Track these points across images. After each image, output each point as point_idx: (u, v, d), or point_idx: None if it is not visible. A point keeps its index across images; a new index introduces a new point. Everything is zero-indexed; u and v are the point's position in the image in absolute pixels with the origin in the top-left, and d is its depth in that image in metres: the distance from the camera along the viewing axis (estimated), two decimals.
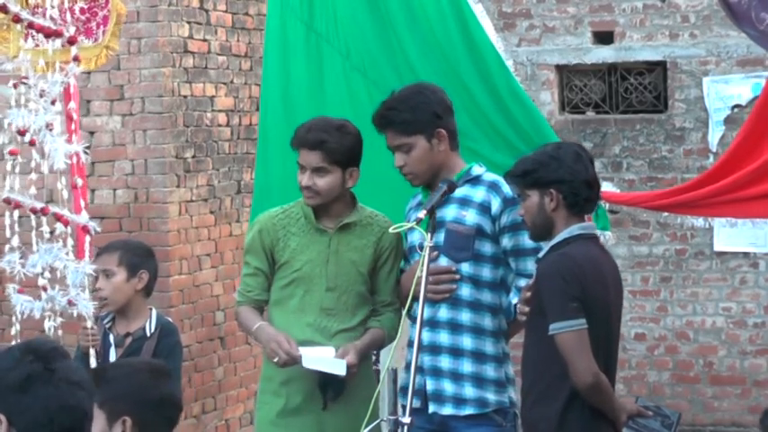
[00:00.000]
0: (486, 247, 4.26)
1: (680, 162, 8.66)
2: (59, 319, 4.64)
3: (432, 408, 4.29)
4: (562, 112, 8.96)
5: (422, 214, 4.05)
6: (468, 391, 4.25)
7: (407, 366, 4.32)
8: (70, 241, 4.62)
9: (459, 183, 4.29)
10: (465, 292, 4.26)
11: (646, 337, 8.78)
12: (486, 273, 4.27)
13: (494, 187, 4.27)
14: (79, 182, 4.66)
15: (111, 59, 7.55)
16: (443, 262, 4.27)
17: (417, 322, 4.00)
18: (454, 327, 4.28)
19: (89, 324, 4.70)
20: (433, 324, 4.27)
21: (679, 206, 4.65)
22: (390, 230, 4.24)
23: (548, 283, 3.92)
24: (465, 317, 4.27)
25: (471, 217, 4.26)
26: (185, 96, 7.63)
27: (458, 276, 4.25)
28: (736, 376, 8.63)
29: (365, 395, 4.37)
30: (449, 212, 4.28)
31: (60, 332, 4.63)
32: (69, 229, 4.63)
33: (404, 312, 4.19)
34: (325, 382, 4.34)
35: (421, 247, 4.22)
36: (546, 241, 4.07)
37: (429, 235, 4.02)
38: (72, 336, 4.91)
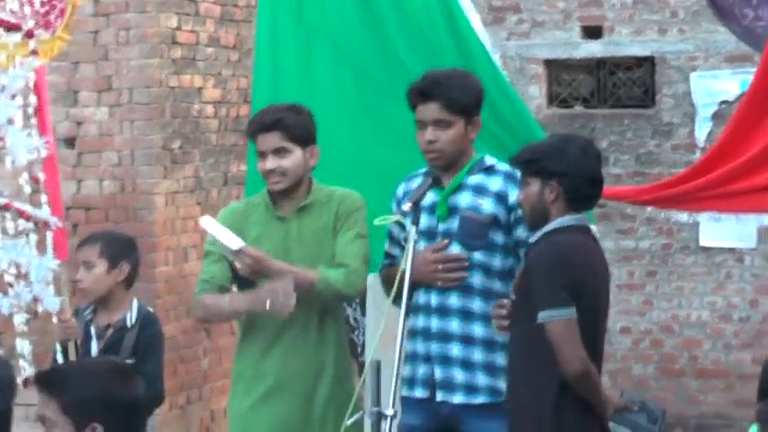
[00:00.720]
0: (499, 237, 4.23)
1: (667, 157, 8.68)
2: (25, 316, 4.63)
3: (440, 396, 4.22)
4: (550, 107, 8.97)
5: (407, 207, 4.04)
6: (481, 379, 4.19)
7: (411, 356, 4.28)
8: (33, 237, 4.60)
9: (473, 171, 4.25)
10: (476, 280, 4.21)
11: (631, 330, 8.80)
12: (497, 262, 4.23)
13: (511, 177, 4.23)
14: (41, 176, 4.65)
15: (98, 49, 7.60)
16: (456, 249, 4.23)
17: (402, 310, 3.95)
18: (466, 315, 4.22)
19: (55, 319, 4.69)
20: (443, 311, 4.23)
21: (664, 201, 4.66)
22: (376, 222, 4.21)
23: (537, 272, 3.92)
24: (476, 305, 4.22)
25: (488, 205, 4.22)
26: (173, 87, 7.63)
27: (467, 264, 4.20)
28: (720, 370, 8.66)
29: (348, 387, 4.39)
30: (463, 199, 4.24)
31: (26, 328, 4.63)
32: (32, 224, 4.62)
33: (389, 300, 4.16)
34: (240, 280, 4.34)
35: (429, 234, 4.22)
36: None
37: (414, 228, 4.01)
38: (42, 330, 4.89)
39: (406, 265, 3.96)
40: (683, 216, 4.79)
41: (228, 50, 8.09)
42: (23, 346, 4.66)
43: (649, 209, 4.90)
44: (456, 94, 4.21)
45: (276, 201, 4.40)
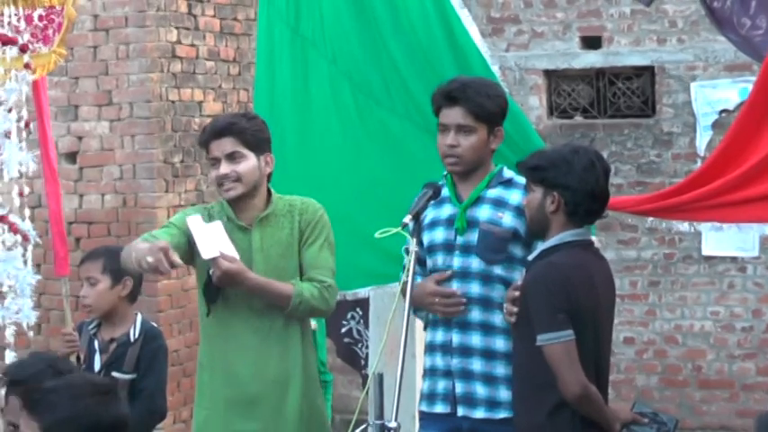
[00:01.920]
0: (518, 250, 4.18)
1: (668, 167, 8.68)
2: (14, 328, 4.68)
3: (461, 411, 4.16)
4: (550, 117, 8.98)
5: (407, 219, 4.00)
6: (503, 393, 4.13)
7: (429, 371, 4.25)
8: (20, 250, 4.63)
9: (492, 184, 4.22)
10: (497, 294, 4.15)
11: (634, 341, 8.79)
12: (518, 275, 4.15)
13: None
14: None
15: (98, 64, 7.62)
16: (475, 262, 4.17)
17: (404, 323, 3.92)
18: (487, 329, 4.17)
19: (68, 330, 4.72)
20: (464, 326, 4.18)
21: (664, 211, 4.64)
22: (377, 235, 4.16)
23: (534, 294, 3.88)
24: (498, 319, 4.16)
25: (508, 219, 4.17)
26: (173, 101, 7.64)
27: (464, 300, 4.14)
28: (724, 380, 8.64)
29: (316, 402, 4.33)
30: (482, 213, 4.19)
31: (12, 340, 4.69)
32: (19, 237, 4.65)
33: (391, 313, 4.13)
34: (207, 283, 4.24)
35: (447, 246, 4.18)
36: (540, 239, 4.03)
37: (414, 240, 3.99)
38: (45, 345, 4.91)
39: (408, 277, 3.95)
40: (684, 225, 4.77)
41: (228, 64, 8.11)
42: (11, 358, 4.69)
43: (651, 218, 4.86)
44: (482, 101, 4.17)
45: (236, 211, 4.31)
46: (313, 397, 4.37)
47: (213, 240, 4.19)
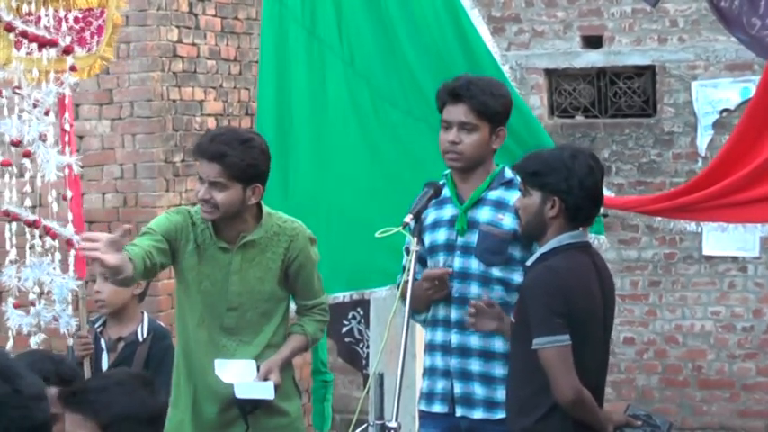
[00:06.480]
0: (517, 252, 4.17)
1: (669, 166, 8.68)
2: (42, 336, 4.61)
3: (460, 411, 4.17)
4: (551, 117, 8.97)
5: (408, 219, 3.98)
6: (501, 394, 4.12)
7: (429, 371, 4.26)
8: (58, 255, 4.57)
9: (493, 185, 4.21)
10: (496, 294, 4.16)
11: (635, 341, 8.79)
12: (517, 276, 4.16)
13: None
14: (69, 194, 4.61)
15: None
16: (474, 264, 4.17)
17: (404, 322, 3.91)
18: None
19: (70, 341, 4.70)
20: (462, 326, 4.18)
21: (671, 211, 4.65)
22: (377, 235, 4.13)
23: (532, 298, 3.86)
24: None
25: (508, 221, 4.16)
26: (174, 101, 7.63)
27: (449, 270, 4.13)
28: (724, 380, 8.65)
29: (280, 408, 4.28)
30: (483, 214, 4.18)
31: (42, 347, 4.62)
32: (57, 242, 4.59)
33: (391, 314, 4.12)
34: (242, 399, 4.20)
35: (448, 247, 4.17)
36: (534, 241, 4.02)
37: (414, 240, 3.99)
38: (48, 346, 4.87)
39: (409, 276, 3.94)
40: (686, 225, 4.77)
41: (229, 63, 8.09)
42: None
43: (654, 218, 4.86)
44: (486, 99, 4.16)
45: (218, 230, 4.20)
46: (283, 405, 4.34)
47: (253, 384, 4.16)
